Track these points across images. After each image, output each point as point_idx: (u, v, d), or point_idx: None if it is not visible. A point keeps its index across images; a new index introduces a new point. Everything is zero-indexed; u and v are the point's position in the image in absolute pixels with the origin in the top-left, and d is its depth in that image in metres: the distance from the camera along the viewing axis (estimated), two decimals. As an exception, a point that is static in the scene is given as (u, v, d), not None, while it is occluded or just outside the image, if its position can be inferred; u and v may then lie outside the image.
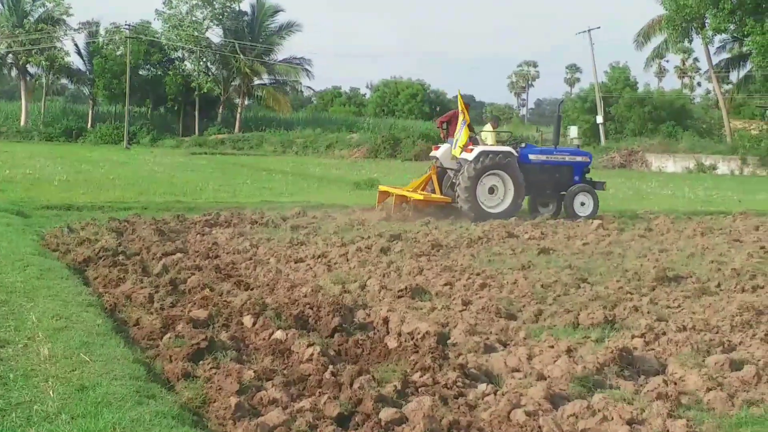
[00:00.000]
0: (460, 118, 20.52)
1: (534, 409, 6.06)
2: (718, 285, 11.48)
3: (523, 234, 16.64)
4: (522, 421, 5.87)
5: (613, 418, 5.93)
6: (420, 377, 6.76)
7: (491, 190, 19.85)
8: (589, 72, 64.71)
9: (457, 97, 22.12)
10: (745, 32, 48.97)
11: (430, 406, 5.90)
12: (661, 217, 20.08)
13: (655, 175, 47.28)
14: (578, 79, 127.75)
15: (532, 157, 20.77)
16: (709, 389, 6.75)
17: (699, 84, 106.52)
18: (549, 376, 7.03)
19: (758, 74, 55.70)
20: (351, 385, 6.34)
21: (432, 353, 7.23)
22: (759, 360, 7.59)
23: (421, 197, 19.85)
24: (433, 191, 20.68)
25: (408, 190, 20.52)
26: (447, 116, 22.50)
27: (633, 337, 8.36)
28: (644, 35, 64.05)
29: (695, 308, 9.97)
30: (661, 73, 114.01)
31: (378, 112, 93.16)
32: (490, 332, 8.62)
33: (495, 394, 6.46)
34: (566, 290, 10.86)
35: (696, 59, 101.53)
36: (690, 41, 61.71)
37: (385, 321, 8.76)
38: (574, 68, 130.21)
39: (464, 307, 9.69)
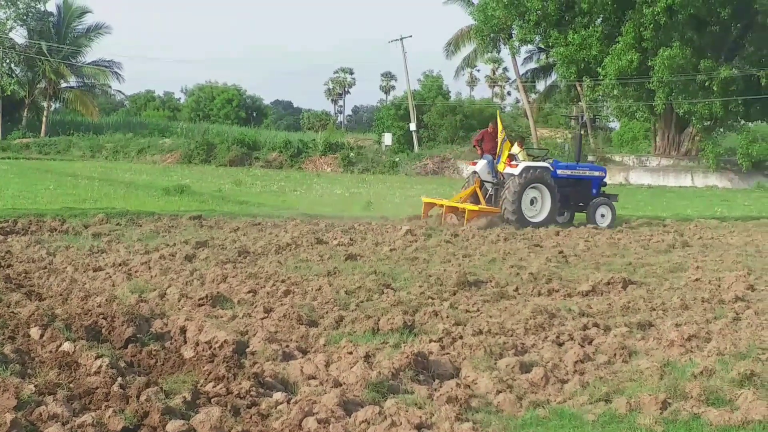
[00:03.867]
0: (500, 136, 22.58)
1: (326, 417, 6.02)
2: (516, 289, 11.79)
3: (332, 240, 16.65)
4: (313, 429, 5.83)
5: (401, 423, 5.97)
6: (213, 387, 6.62)
7: (532, 202, 21.60)
8: (404, 80, 65.62)
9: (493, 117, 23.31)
10: (550, 44, 50.78)
11: (219, 417, 5.77)
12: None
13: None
14: (393, 87, 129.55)
15: (559, 171, 22.58)
16: (499, 392, 6.91)
17: (509, 93, 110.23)
18: (345, 383, 7.02)
19: (562, 84, 57.97)
20: (138, 397, 6.13)
21: (227, 362, 7.10)
22: (548, 362, 7.84)
23: (476, 209, 21.30)
24: (477, 202, 22.14)
25: (455, 201, 22.41)
26: (480, 135, 24.26)
27: (430, 341, 8.47)
28: (454, 44, 65.68)
29: (492, 312, 10.21)
30: (472, 82, 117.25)
31: (193, 117, 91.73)
32: (290, 339, 8.57)
33: (288, 402, 6.38)
34: (369, 296, 10.91)
35: (505, 69, 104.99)
36: (498, 51, 63.61)
37: (183, 330, 8.56)
38: (389, 76, 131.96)
39: (266, 315, 9.60)
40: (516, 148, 22.90)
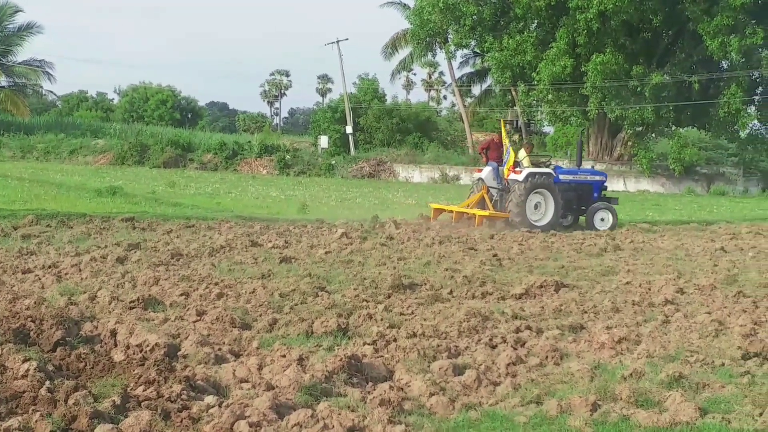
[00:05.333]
0: (505, 143, 23.66)
1: (258, 420, 5.98)
2: (450, 292, 11.83)
3: (267, 243, 16.57)
4: (245, 432, 5.79)
5: (334, 426, 5.95)
6: (143, 391, 6.53)
7: (536, 206, 22.59)
8: (340, 83, 65.76)
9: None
10: (485, 48, 51.14)
11: (149, 420, 5.70)
12: (403, 226, 20.61)
13: (402, 184, 48.49)
14: (330, 90, 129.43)
15: (561, 177, 23.54)
16: (431, 394, 6.92)
17: (445, 97, 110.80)
18: (277, 386, 6.99)
19: (497, 89, 58.36)
20: (66, 401, 6.03)
21: (158, 366, 7.00)
22: (481, 365, 7.87)
23: (486, 213, 22.52)
24: (484, 208, 23.16)
25: (463, 207, 23.46)
26: (486, 143, 25.35)
27: (364, 344, 8.46)
28: (391, 47, 65.91)
29: (427, 315, 10.23)
30: (408, 85, 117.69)
31: (126, 117, 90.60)
32: (223, 343, 8.50)
33: (220, 406, 6.32)
34: (304, 299, 10.87)
35: (441, 73, 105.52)
36: (434, 55, 63.96)
37: (113, 333, 8.45)
38: (325, 78, 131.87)
39: (198, 318, 9.52)
40: (522, 153, 23.57)
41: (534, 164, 23.37)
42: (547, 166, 23.81)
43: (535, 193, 22.40)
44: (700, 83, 45.48)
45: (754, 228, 23.66)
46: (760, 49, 44.52)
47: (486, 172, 23.70)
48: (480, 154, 25.84)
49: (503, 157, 23.60)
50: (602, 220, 23.24)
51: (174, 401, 6.33)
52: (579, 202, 23.85)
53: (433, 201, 31.82)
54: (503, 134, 23.90)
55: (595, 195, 23.93)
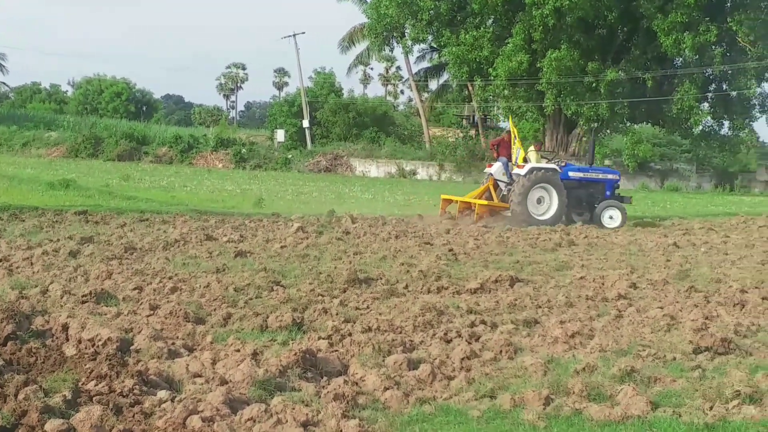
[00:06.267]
0: (517, 141, 24.48)
1: (211, 415, 5.94)
2: (406, 286, 11.84)
3: (222, 237, 16.47)
4: (198, 427, 5.75)
5: (287, 421, 5.94)
6: (95, 386, 6.46)
7: (539, 201, 23.13)
8: (297, 76, 65.77)
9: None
10: (442, 43, 51.09)
11: (100, 415, 5.64)
12: (359, 221, 20.59)
13: (358, 179, 48.50)
14: (286, 83, 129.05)
15: (571, 174, 24.16)
16: (386, 388, 6.92)
17: (402, 92, 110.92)
18: (231, 381, 6.94)
19: (454, 84, 58.45)
20: (16, 396, 5.95)
21: (110, 360, 6.94)
22: (435, 359, 7.88)
23: (485, 203, 23.42)
24: (490, 199, 24.00)
25: (469, 198, 24.25)
26: (497, 140, 26.15)
27: (319, 338, 8.44)
28: (348, 41, 65.82)
29: (382, 309, 10.22)
30: (365, 80, 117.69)
31: (80, 110, 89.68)
32: (177, 337, 8.45)
33: (173, 400, 6.27)
34: (259, 293, 10.83)
35: (399, 68, 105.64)
36: (391, 50, 63.95)
37: (65, 327, 8.36)
38: (282, 72, 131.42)
39: (152, 312, 9.44)
40: (532, 149, 24.32)
41: (545, 159, 23.94)
42: (555, 163, 24.18)
43: (538, 187, 22.79)
44: (654, 80, 45.78)
45: (706, 224, 23.99)
46: (713, 47, 44.82)
47: (496, 167, 24.22)
48: (491, 149, 26.47)
49: (513, 154, 24.09)
50: (611, 218, 23.58)
51: (126, 396, 6.28)
52: (590, 199, 24.17)
53: (390, 196, 32.00)
54: (514, 132, 24.54)
55: (608, 193, 24.25)
